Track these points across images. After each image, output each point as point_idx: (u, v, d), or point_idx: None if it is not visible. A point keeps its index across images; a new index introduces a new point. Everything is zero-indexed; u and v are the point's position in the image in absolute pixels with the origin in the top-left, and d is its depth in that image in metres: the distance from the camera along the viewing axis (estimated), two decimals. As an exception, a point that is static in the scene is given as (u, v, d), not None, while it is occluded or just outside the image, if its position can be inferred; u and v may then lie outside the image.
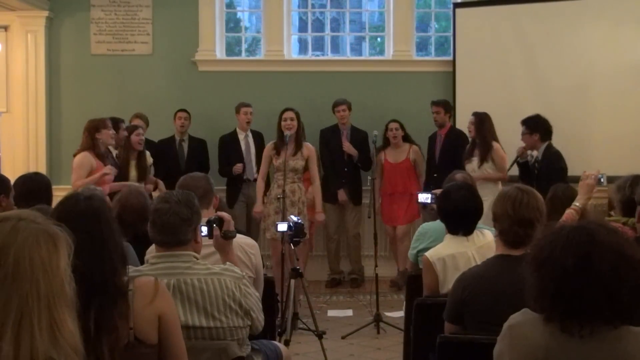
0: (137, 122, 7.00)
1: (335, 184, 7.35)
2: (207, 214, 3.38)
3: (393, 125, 7.25)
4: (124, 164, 6.35)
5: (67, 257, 1.70)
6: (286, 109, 6.52)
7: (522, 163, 6.41)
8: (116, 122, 6.32)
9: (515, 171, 6.54)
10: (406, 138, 7.33)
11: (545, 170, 5.99)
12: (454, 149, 6.97)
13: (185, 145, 7.42)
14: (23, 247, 1.63)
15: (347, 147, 7.31)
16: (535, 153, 6.39)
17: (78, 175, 5.57)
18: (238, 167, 7.15)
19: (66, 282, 1.68)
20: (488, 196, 5.28)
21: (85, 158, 5.65)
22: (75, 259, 1.78)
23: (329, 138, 7.44)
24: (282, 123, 6.45)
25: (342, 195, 7.34)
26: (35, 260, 1.63)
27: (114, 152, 6.41)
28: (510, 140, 6.65)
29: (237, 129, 7.36)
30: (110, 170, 5.68)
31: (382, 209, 7.31)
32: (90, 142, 5.70)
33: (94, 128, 5.73)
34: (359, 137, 7.36)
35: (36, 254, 1.63)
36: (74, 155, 5.81)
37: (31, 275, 1.62)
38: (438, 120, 7.16)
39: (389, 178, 7.28)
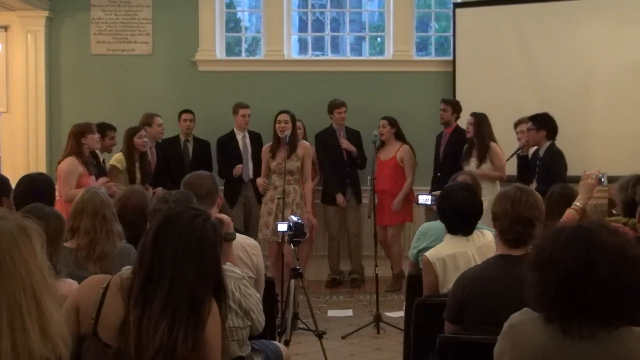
0: (159, 120, 7.03)
1: (335, 188, 7.32)
2: (212, 213, 3.38)
3: (382, 122, 7.20)
4: (130, 167, 6.38)
5: (41, 246, 1.71)
6: (281, 112, 6.53)
7: (523, 156, 6.41)
8: (104, 129, 6.34)
9: (512, 170, 6.54)
10: (399, 137, 7.29)
11: (546, 169, 5.99)
12: (457, 148, 6.94)
13: (190, 146, 7.40)
14: (0, 246, 1.64)
15: (346, 144, 7.31)
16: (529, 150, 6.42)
17: (68, 183, 5.52)
18: (238, 169, 7.13)
19: (45, 271, 1.69)
20: (487, 196, 5.29)
21: (72, 165, 5.61)
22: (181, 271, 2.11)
23: (327, 140, 7.39)
24: (277, 125, 6.47)
25: (340, 198, 7.31)
26: (15, 256, 1.64)
27: (101, 157, 6.47)
28: (510, 140, 6.65)
29: (235, 130, 7.33)
30: (105, 181, 5.70)
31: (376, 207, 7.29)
32: (77, 148, 5.68)
33: (79, 133, 5.72)
34: (355, 137, 7.38)
35: (15, 250, 1.65)
36: (59, 162, 5.78)
37: (14, 272, 1.63)
38: (444, 118, 7.10)
39: (378, 175, 7.21)
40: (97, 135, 5.90)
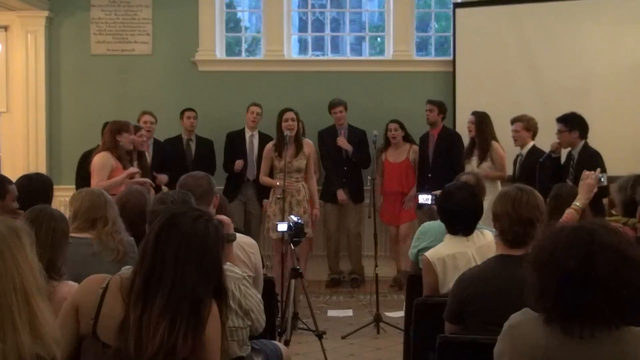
0: (148, 118, 7.02)
1: (336, 184, 7.36)
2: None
3: (392, 125, 7.27)
4: (129, 165, 6.39)
5: (30, 246, 1.72)
6: (286, 109, 6.53)
7: (555, 158, 6.33)
8: (137, 129, 6.34)
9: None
10: (406, 138, 7.35)
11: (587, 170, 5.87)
12: (447, 149, 6.99)
13: (193, 145, 7.41)
14: None
15: (342, 142, 7.33)
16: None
17: (100, 176, 5.56)
18: (238, 163, 7.14)
19: (36, 271, 1.71)
20: (487, 195, 5.28)
21: (106, 158, 5.65)
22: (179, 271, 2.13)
23: (327, 139, 7.45)
24: (284, 124, 6.46)
25: (341, 195, 7.34)
26: (6, 256, 1.65)
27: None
28: (510, 141, 6.64)
29: (245, 128, 7.39)
30: (136, 170, 5.75)
31: (383, 209, 7.31)
32: (111, 143, 5.72)
33: (116, 130, 5.76)
34: (357, 136, 7.39)
35: (6, 250, 1.66)
36: (94, 154, 5.81)
37: (5, 272, 1.63)
38: (430, 118, 7.16)
39: (389, 178, 7.30)
40: (132, 136, 5.91)
